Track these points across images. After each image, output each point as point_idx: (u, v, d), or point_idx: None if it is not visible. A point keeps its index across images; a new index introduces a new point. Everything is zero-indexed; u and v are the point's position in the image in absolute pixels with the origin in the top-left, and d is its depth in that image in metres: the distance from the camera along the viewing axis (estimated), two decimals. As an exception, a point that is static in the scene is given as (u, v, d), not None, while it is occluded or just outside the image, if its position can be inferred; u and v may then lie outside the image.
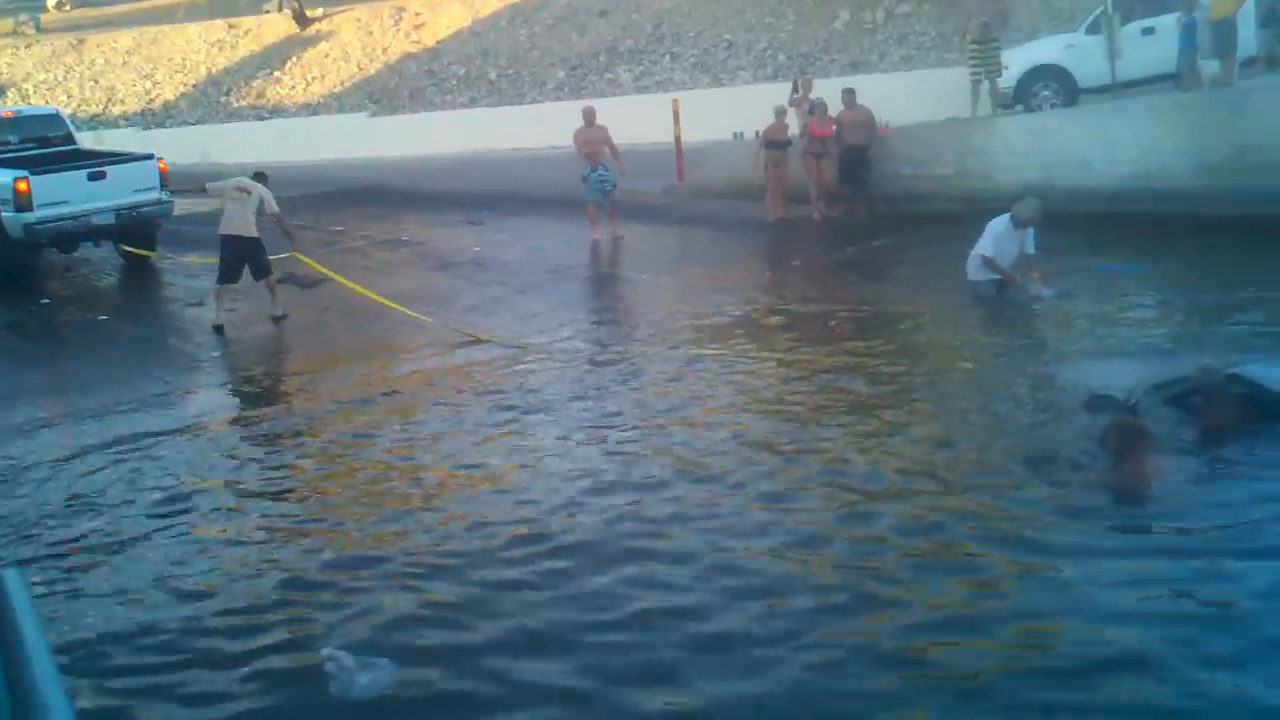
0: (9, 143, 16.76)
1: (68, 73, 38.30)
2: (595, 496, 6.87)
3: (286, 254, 13.21)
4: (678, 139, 19.87)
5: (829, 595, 5.32)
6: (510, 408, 8.94)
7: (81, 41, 39.91)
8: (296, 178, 21.73)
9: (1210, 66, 15.48)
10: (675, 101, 20.40)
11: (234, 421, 9.59)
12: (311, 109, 32.75)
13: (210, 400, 10.35)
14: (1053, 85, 17.87)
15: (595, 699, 4.66)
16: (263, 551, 6.54)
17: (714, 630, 5.11)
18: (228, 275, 12.76)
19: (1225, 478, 6.27)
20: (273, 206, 12.73)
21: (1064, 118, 16.52)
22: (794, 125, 17.44)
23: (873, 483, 6.72)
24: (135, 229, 15.80)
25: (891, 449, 7.29)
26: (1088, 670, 4.52)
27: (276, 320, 12.88)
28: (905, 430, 7.67)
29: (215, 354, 12.00)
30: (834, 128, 16.54)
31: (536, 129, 25.10)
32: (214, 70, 36.57)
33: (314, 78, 33.96)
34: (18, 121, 17.45)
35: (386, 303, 12.37)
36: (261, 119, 32.98)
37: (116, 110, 36.10)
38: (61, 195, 14.73)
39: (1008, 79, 17.60)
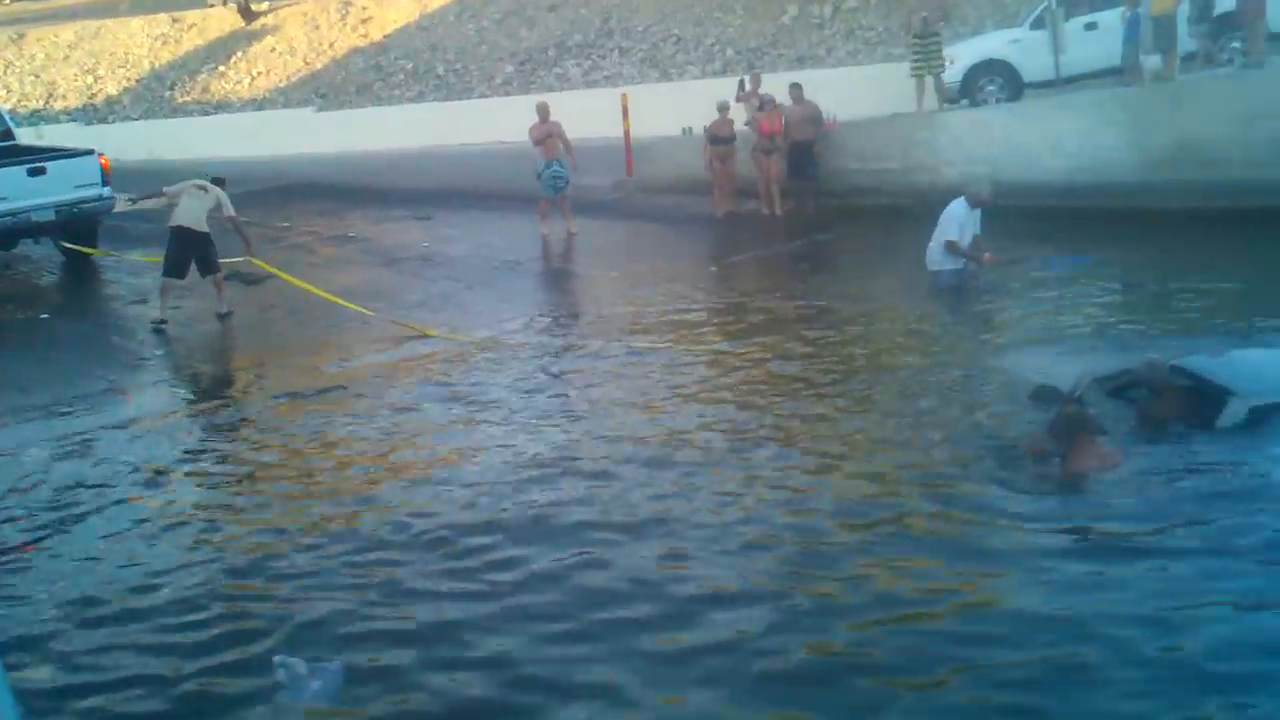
0: (-54, 139, 16.47)
1: (7, 67, 37.64)
2: (541, 485, 6.91)
3: (242, 258, 13.06)
4: (627, 134, 19.86)
5: (777, 599, 5.30)
6: (457, 400, 8.96)
7: (21, 36, 39.22)
8: (242, 173, 21.46)
9: (1152, 61, 15.65)
10: (624, 96, 20.38)
11: (177, 417, 9.51)
12: (258, 104, 32.40)
13: (154, 397, 10.24)
14: (998, 80, 17.99)
15: (540, 687, 4.65)
16: (207, 544, 6.49)
17: (647, 615, 5.17)
18: (174, 269, 12.56)
19: (1167, 471, 6.22)
20: (229, 210, 12.61)
21: (1009, 112, 16.65)
22: (740, 120, 17.47)
23: (812, 476, 6.73)
24: (76, 226, 15.53)
25: (833, 442, 7.30)
26: (1031, 673, 4.47)
27: (222, 318, 12.74)
28: (845, 423, 7.68)
29: (159, 352, 11.85)
30: (783, 123, 16.59)
31: (485, 124, 24.99)
32: (158, 65, 36.07)
33: (260, 73, 33.60)
34: (-45, 118, 17.17)
35: (333, 299, 12.27)
36: (207, 114, 32.57)
37: (58, 105, 35.51)
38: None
39: (953, 74, 17.73)
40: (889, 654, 4.71)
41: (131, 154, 25.80)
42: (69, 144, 17.53)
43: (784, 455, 7.15)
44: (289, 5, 35.86)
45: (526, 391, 9.09)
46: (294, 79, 32.80)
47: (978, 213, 11.38)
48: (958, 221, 11.33)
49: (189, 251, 12.50)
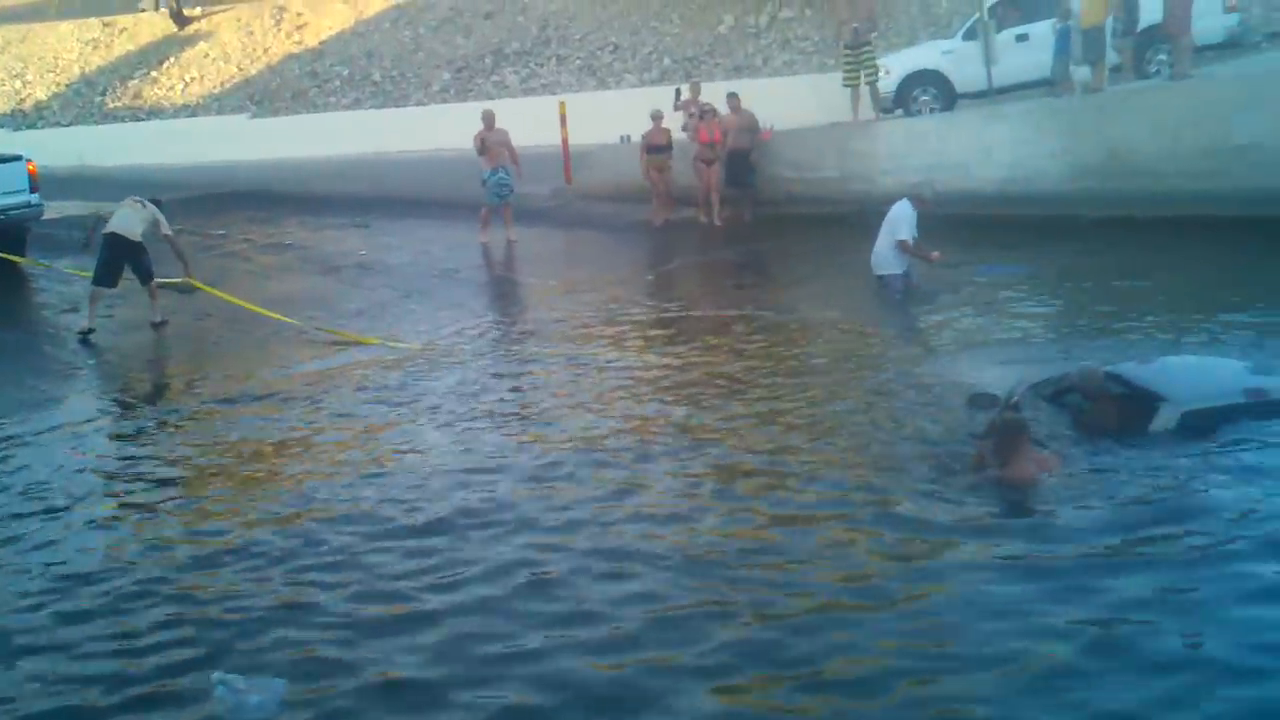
0: None
1: (-69, 72, 36.98)
2: (480, 487, 6.96)
3: (180, 279, 12.87)
4: (564, 141, 19.86)
5: (713, 599, 5.35)
6: (393, 404, 8.98)
7: (-54, 39, 38.56)
8: (176, 180, 21.30)
9: (1082, 73, 15.92)
10: (562, 104, 20.40)
11: (109, 424, 9.40)
12: (191, 110, 32.00)
13: (85, 405, 10.04)
14: (931, 90, 18.20)
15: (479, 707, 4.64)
16: (138, 549, 6.44)
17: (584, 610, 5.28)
18: (105, 278, 12.35)
19: (1101, 478, 6.28)
20: (166, 229, 12.43)
21: (943, 122, 16.87)
22: (676, 128, 17.54)
23: (748, 486, 6.74)
24: (4, 232, 15.27)
25: (768, 446, 7.34)
26: (970, 689, 4.46)
27: (156, 327, 12.53)
28: (780, 427, 7.71)
29: (91, 361, 11.66)
30: (721, 133, 16.67)
31: (423, 131, 24.93)
32: (88, 70, 35.54)
33: (193, 78, 33.20)
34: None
35: (264, 312, 12.15)
36: (139, 120, 32.13)
37: (-15, 111, 34.95)
38: (-75, 198, 14.23)
39: (888, 84, 17.91)
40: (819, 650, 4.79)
41: (61, 160, 25.41)
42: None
43: (721, 459, 7.19)
44: (222, 10, 35.49)
45: (465, 395, 9.10)
46: (228, 85, 32.44)
47: (915, 214, 11.53)
48: (909, 221, 11.44)
49: (121, 259, 12.29)
